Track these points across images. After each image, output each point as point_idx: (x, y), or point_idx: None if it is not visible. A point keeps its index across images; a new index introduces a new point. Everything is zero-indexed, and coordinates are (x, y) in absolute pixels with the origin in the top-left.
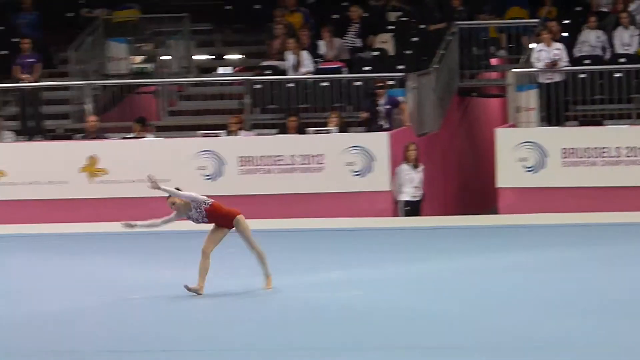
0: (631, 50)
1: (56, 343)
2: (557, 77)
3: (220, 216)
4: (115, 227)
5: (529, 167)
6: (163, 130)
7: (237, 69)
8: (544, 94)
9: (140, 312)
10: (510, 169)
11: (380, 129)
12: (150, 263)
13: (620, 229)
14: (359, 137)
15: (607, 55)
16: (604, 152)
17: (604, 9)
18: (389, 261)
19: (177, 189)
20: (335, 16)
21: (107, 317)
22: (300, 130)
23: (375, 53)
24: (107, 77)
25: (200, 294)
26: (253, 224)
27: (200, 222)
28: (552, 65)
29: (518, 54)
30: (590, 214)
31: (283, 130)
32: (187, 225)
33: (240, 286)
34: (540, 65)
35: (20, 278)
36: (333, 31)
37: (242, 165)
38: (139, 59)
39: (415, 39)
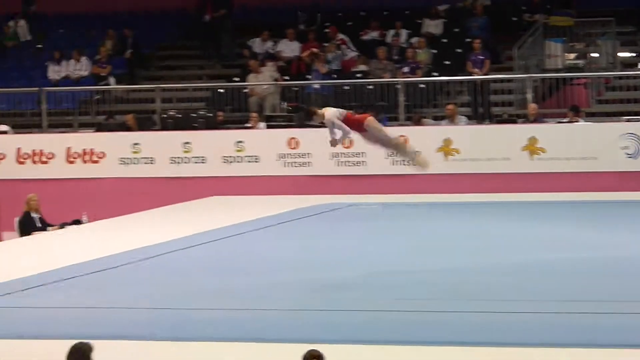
0: None
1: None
2: None
3: (353, 122)
4: (550, 196)
5: None
6: (592, 116)
7: None
8: None
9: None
10: None
11: None
12: (585, 227)
13: None
14: None
15: None
16: None
17: None
18: None
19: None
20: None
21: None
22: None
23: None
24: (545, 71)
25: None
26: None
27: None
28: None
29: None
30: None
31: None
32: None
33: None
34: None
35: (487, 237)
36: None
37: None
38: (572, 56)
39: None
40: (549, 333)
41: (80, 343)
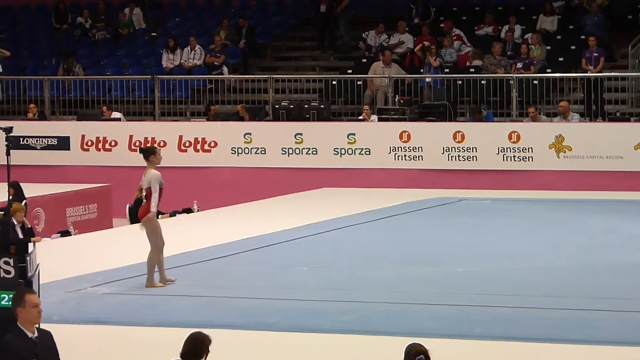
0: None
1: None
2: None
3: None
4: None
5: None
6: None
7: None
8: None
9: None
10: None
11: None
12: None
13: None
14: None
15: None
16: None
17: None
18: None
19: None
20: None
21: None
22: None
23: None
24: None
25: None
26: None
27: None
28: None
29: None
30: None
31: None
32: None
33: None
34: None
35: (597, 234)
36: None
37: None
38: None
39: None
40: None
41: (199, 333)
